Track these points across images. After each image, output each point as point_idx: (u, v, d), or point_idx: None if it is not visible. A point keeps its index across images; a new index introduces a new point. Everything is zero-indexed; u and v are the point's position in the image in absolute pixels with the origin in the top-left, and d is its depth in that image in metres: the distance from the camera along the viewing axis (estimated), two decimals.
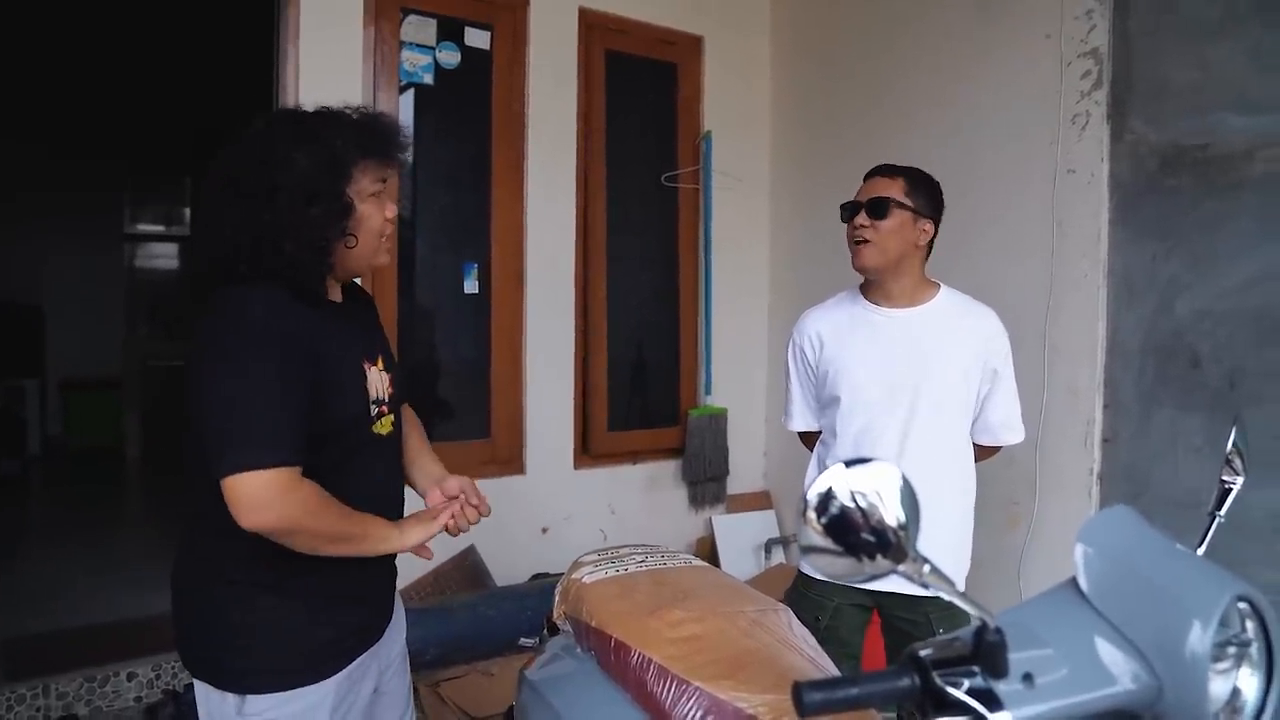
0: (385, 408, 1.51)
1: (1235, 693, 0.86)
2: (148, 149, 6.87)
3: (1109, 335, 2.76)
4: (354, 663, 1.49)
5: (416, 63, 3.20)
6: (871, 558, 0.82)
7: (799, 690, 0.85)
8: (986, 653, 0.83)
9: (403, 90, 3.24)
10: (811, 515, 0.83)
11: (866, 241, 1.97)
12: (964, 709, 0.82)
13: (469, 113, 3.39)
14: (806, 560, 0.86)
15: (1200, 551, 1.10)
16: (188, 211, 7.49)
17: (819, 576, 2.04)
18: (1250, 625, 0.87)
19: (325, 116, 1.46)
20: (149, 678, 2.92)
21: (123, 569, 3.98)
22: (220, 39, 4.85)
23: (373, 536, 1.43)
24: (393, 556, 1.57)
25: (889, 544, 0.81)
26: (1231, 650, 0.85)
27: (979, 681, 0.83)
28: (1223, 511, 1.17)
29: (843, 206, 2.03)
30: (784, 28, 4.08)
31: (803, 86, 3.98)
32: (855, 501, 0.82)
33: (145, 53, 5.57)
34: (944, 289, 2.05)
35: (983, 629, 0.83)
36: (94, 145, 6.60)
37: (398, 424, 1.58)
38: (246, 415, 1.27)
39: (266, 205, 1.35)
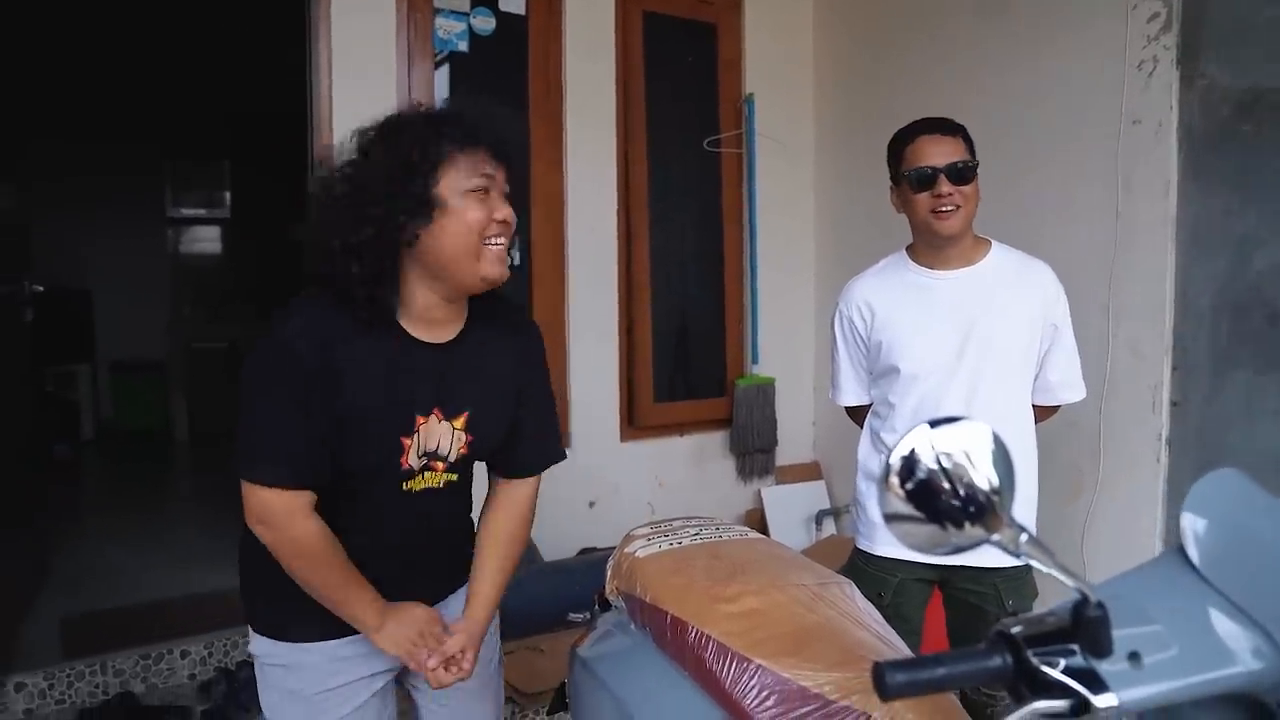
0: (440, 464, 1.43)
1: None
2: (186, 133, 6.90)
3: (1177, 294, 2.62)
4: (347, 639, 1.45)
5: (451, 30, 3.13)
6: (960, 526, 0.75)
7: (880, 671, 0.78)
8: (1088, 629, 0.75)
9: (439, 63, 3.16)
10: (894, 480, 0.76)
11: (955, 209, 1.84)
12: (1064, 690, 0.75)
13: (506, 80, 3.31)
14: (890, 529, 0.78)
15: None
16: (228, 195, 7.53)
17: (878, 552, 1.96)
18: None
19: (413, 112, 1.39)
20: (202, 655, 2.93)
21: (173, 548, 4.02)
22: (253, 17, 4.81)
23: (352, 611, 1.38)
24: (448, 564, 1.57)
25: (982, 510, 0.74)
26: None
27: (1078, 660, 0.76)
28: None
29: (915, 173, 1.86)
30: None
31: (847, 45, 3.84)
32: (941, 464, 0.75)
33: (180, 35, 5.57)
34: (995, 246, 1.95)
35: (1083, 603, 0.76)
36: (133, 130, 6.64)
37: (460, 481, 1.49)
38: (259, 421, 1.30)
39: (333, 204, 1.31)
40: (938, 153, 1.85)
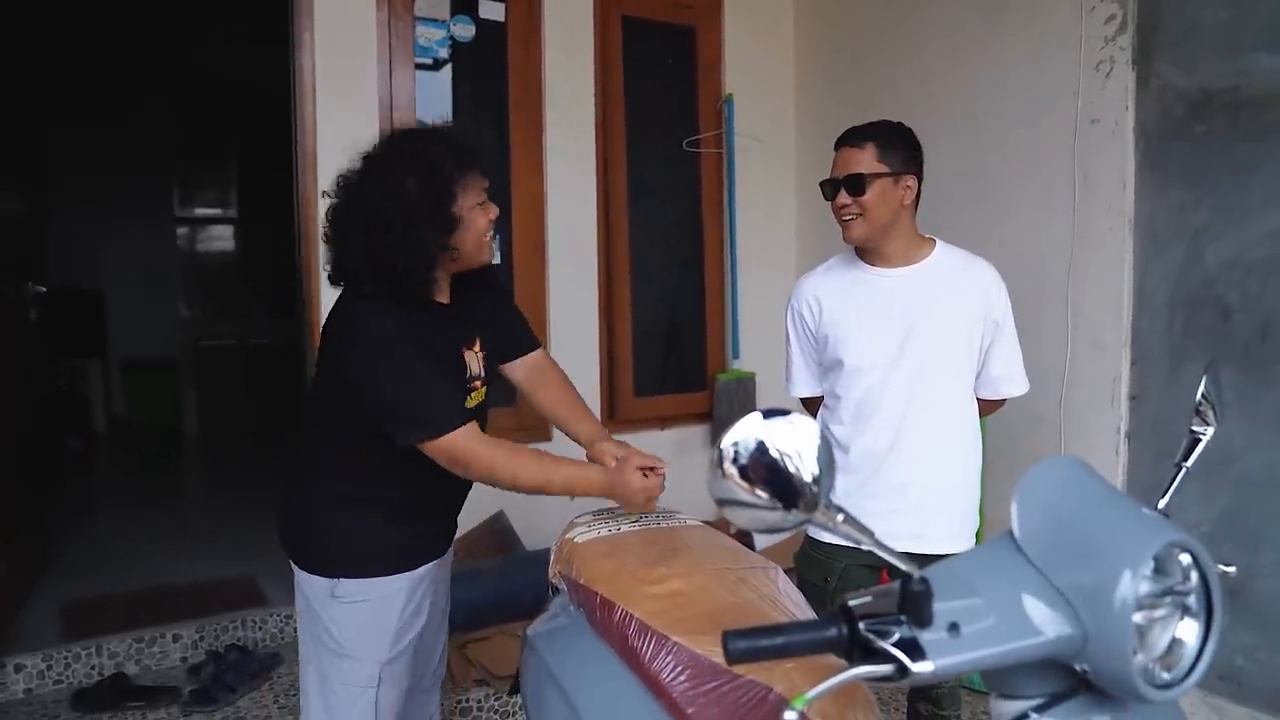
0: (478, 382, 1.81)
1: (1176, 643, 0.86)
2: (195, 134, 7.03)
3: (1135, 289, 2.69)
4: (424, 566, 1.77)
5: (431, 37, 3.22)
6: (784, 509, 0.83)
7: (725, 638, 0.86)
8: (912, 602, 0.84)
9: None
10: (730, 467, 0.84)
11: (856, 217, 1.94)
12: (889, 657, 0.83)
13: (486, 85, 3.40)
14: (724, 512, 0.87)
15: (1163, 503, 1.08)
16: (235, 194, 7.67)
17: (824, 539, 2.04)
18: (1194, 576, 0.86)
19: (428, 137, 1.72)
20: (193, 639, 3.06)
21: (175, 539, 4.15)
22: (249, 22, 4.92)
23: (581, 473, 1.76)
24: (451, 495, 1.85)
25: (802, 494, 0.82)
26: (1168, 600, 0.85)
27: (905, 631, 0.84)
28: (1189, 462, 1.15)
29: (822, 185, 2.00)
30: None
31: (825, 46, 3.91)
32: (772, 454, 0.83)
33: (188, 33, 5.69)
34: (939, 244, 2.02)
35: (907, 580, 0.84)
36: (142, 130, 6.78)
37: (488, 394, 1.86)
38: (418, 394, 1.61)
39: (386, 231, 1.59)
40: (841, 164, 1.96)
